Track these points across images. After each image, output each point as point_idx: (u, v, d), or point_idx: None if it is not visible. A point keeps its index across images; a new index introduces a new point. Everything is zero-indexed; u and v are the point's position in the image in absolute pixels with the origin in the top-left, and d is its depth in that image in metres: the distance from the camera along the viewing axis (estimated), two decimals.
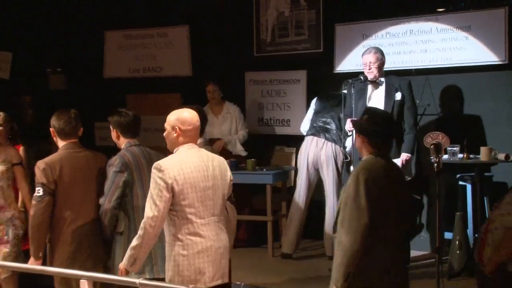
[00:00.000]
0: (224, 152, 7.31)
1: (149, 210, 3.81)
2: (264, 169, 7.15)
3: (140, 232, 3.86)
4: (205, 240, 3.89)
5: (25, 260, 4.94)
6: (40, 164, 4.49)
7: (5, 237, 5.26)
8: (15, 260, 5.19)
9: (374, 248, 3.73)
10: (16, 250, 5.28)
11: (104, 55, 9.01)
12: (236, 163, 7.09)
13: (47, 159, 4.54)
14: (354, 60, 7.12)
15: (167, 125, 4.00)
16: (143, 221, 3.85)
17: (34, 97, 9.21)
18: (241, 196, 7.36)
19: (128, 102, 8.61)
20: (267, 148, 7.95)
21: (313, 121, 6.80)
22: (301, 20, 7.65)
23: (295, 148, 7.62)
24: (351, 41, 7.31)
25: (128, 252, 3.91)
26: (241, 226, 7.47)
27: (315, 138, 6.69)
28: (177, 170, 3.83)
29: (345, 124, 6.10)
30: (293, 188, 7.26)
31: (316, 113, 6.81)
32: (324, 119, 6.70)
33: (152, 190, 3.82)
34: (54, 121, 4.64)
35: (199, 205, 3.90)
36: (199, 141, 4.73)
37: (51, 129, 4.66)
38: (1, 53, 9.14)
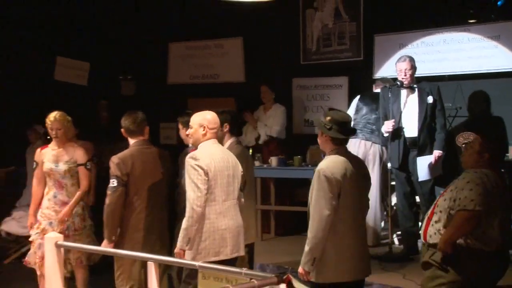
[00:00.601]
0: (271, 149, 7.37)
1: (193, 193, 3.98)
2: (310, 165, 7.14)
3: (188, 214, 4.00)
4: (228, 219, 4.10)
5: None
6: (114, 159, 4.57)
7: (66, 232, 5.17)
8: (78, 252, 5.19)
9: (339, 236, 3.82)
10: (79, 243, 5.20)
11: (168, 64, 9.13)
12: (284, 160, 7.13)
13: (120, 154, 4.62)
14: (391, 67, 7.04)
15: (193, 124, 4.19)
16: (188, 204, 3.99)
17: (109, 101, 9.39)
18: (285, 189, 7.40)
19: (189, 105, 8.70)
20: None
21: (358, 121, 6.53)
22: (343, 31, 7.63)
23: None
24: (389, 50, 7.27)
25: (181, 234, 4.03)
26: (287, 216, 7.47)
27: (363, 141, 6.50)
28: (208, 159, 4.04)
29: (382, 126, 6.04)
30: None
31: (361, 113, 6.57)
32: (370, 120, 6.49)
33: (192, 175, 3.99)
34: (122, 121, 4.73)
35: (225, 189, 4.10)
36: (231, 140, 4.92)
37: (122, 129, 4.75)
38: (80, 63, 9.35)
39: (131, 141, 4.73)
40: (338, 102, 7.69)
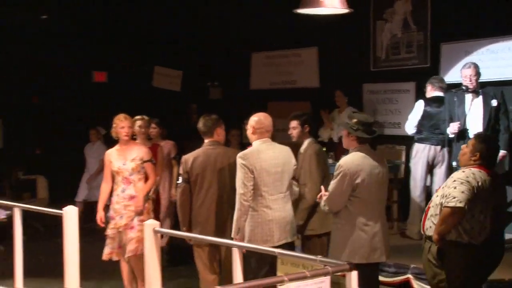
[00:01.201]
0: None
1: (241, 189, 4.10)
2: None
3: (237, 207, 4.14)
4: (274, 211, 4.15)
5: None
6: (182, 158, 4.69)
7: (131, 223, 5.11)
8: (140, 243, 4.92)
9: (356, 222, 4.03)
10: (141, 235, 4.81)
11: (251, 72, 9.23)
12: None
13: (187, 154, 4.67)
14: (456, 73, 6.83)
15: (248, 126, 4.31)
16: (237, 199, 4.11)
17: (199, 105, 9.60)
18: None
19: (269, 108, 8.77)
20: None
21: (425, 127, 6.29)
22: (411, 40, 7.49)
23: (404, 146, 7.45)
24: (455, 57, 7.06)
25: (234, 225, 4.18)
26: None
27: (433, 146, 6.27)
28: (255, 158, 4.12)
29: (447, 127, 5.89)
30: (403, 180, 7.08)
31: (429, 119, 6.28)
32: (437, 124, 6.22)
33: (240, 173, 4.11)
34: (198, 123, 4.80)
35: (271, 185, 4.15)
36: (309, 139, 4.96)
37: None
38: (174, 71, 9.65)
39: (205, 141, 4.76)
40: (405, 106, 7.54)
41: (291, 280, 2.82)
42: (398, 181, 7.22)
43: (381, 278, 4.88)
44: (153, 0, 9.21)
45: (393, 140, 7.78)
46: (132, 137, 5.41)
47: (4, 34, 9.06)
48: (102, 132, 8.53)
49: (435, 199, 4.08)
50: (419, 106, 6.38)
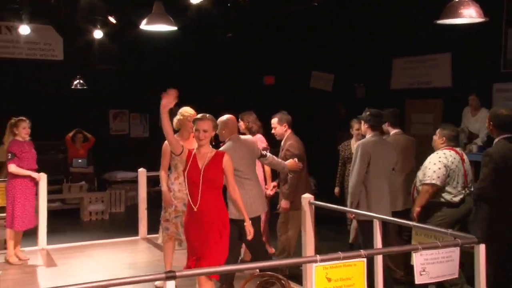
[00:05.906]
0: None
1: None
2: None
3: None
4: (254, 184, 4.34)
5: None
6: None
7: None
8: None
9: (371, 188, 4.27)
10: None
11: (392, 74, 8.97)
12: (483, 148, 6.65)
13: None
14: None
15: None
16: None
17: (345, 103, 9.62)
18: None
19: (406, 105, 8.56)
20: None
21: None
22: None
23: None
24: None
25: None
26: None
27: None
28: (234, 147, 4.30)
29: None
30: None
31: None
32: None
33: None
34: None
35: (245, 168, 4.30)
36: (395, 131, 5.11)
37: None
38: (328, 74, 9.78)
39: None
40: None
41: (424, 248, 2.84)
42: None
43: None
44: (311, 22, 9.42)
45: None
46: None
47: (203, 49, 9.91)
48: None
49: (419, 175, 4.50)
50: None
